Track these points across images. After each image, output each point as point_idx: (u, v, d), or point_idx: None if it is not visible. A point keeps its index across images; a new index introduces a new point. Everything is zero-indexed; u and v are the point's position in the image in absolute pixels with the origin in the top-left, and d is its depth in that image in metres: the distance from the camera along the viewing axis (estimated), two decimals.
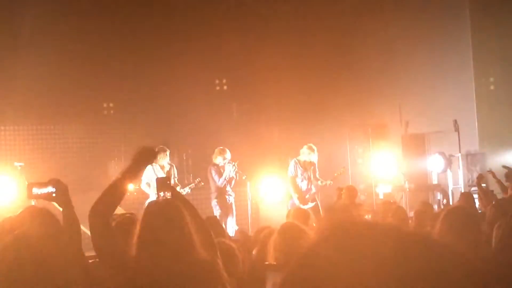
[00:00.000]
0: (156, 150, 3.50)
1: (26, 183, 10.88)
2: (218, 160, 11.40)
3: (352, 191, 9.90)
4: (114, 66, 14.91)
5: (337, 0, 15.55)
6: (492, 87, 13.89)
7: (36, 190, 3.62)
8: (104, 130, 14.64)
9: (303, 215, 7.19)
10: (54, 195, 3.58)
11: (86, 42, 14.09)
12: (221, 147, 11.66)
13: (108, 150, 14.43)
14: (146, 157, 3.39)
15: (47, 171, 13.70)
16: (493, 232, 3.57)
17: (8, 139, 13.41)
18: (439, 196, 13.23)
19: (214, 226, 5.88)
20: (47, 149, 13.82)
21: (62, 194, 3.58)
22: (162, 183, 4.04)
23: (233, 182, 11.47)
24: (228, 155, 11.36)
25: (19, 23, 13.38)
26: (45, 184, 3.62)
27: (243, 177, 11.82)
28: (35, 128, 13.77)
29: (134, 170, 3.34)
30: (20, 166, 12.30)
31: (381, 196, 14.24)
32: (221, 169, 11.35)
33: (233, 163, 11.40)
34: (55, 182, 3.62)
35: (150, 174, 10.50)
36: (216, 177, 11.24)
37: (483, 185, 9.50)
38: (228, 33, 15.50)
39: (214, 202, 11.41)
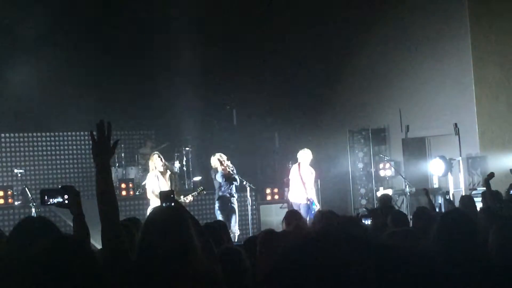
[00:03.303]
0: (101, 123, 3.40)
1: (26, 188, 10.91)
2: (213, 163, 11.46)
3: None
4: (116, 74, 14.93)
5: (338, 6, 15.58)
6: (492, 90, 13.89)
7: (49, 197, 3.61)
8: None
9: (295, 216, 7.39)
10: (66, 202, 3.57)
11: (88, 47, 14.10)
12: (214, 155, 11.70)
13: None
14: (101, 132, 3.35)
15: (48, 178, 13.73)
16: (489, 236, 3.58)
17: (9, 146, 13.42)
18: (440, 199, 13.21)
19: (222, 231, 5.87)
20: (48, 156, 13.82)
21: (74, 202, 3.56)
22: (166, 196, 4.10)
23: (234, 182, 11.45)
24: (222, 156, 11.42)
25: (20, 31, 13.40)
26: (58, 191, 3.62)
27: (243, 182, 11.83)
28: (36, 135, 13.78)
29: (102, 150, 3.31)
30: (20, 173, 12.32)
31: None
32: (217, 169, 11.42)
33: (232, 168, 11.43)
34: (68, 189, 3.61)
35: (153, 183, 10.51)
36: (217, 176, 11.30)
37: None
38: (229, 40, 15.54)
39: (216, 206, 11.45)
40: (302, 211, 11.31)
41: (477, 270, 3.03)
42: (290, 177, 12.39)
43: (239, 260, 3.97)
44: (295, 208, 11.79)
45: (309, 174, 12.13)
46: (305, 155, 12.14)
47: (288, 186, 14.82)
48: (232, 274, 3.68)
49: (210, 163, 11.63)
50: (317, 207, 11.73)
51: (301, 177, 12.05)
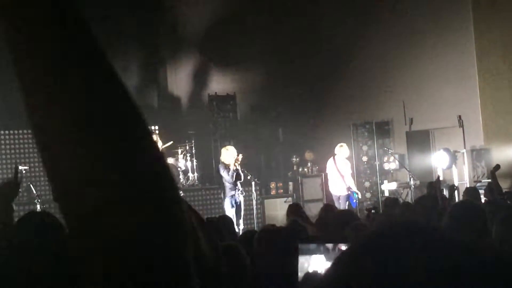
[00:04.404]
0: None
1: (31, 185, 10.92)
2: (224, 158, 11.50)
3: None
4: (119, 68, 14.92)
5: None
6: (495, 82, 13.85)
7: None
8: None
9: (296, 209, 7.44)
10: None
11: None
12: (227, 146, 11.89)
13: None
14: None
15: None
16: (493, 226, 3.59)
17: (13, 143, 13.45)
18: (444, 192, 13.20)
19: (228, 226, 5.86)
20: None
21: None
22: None
23: (241, 178, 11.52)
24: (232, 152, 11.51)
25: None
26: None
27: (248, 177, 11.85)
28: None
29: None
30: (24, 169, 12.32)
31: (386, 193, 14.24)
32: (228, 166, 11.46)
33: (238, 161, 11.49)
34: None
35: None
36: (225, 173, 11.36)
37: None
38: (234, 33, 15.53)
39: (225, 203, 11.48)
40: (342, 202, 12.21)
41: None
42: (327, 171, 12.95)
43: (238, 257, 3.95)
44: (335, 200, 12.42)
45: (346, 166, 12.68)
46: (341, 150, 12.75)
47: (292, 180, 14.90)
48: (232, 270, 3.67)
49: (217, 155, 11.67)
50: (358, 194, 12.55)
51: (338, 170, 12.58)
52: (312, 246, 2.88)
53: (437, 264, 0.71)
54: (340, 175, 12.52)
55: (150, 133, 0.80)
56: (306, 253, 2.73)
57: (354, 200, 12.37)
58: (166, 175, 0.78)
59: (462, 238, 0.76)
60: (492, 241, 3.60)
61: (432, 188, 9.10)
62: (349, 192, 12.37)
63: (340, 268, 0.77)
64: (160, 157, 0.79)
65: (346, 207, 11.78)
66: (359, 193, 12.65)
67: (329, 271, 0.76)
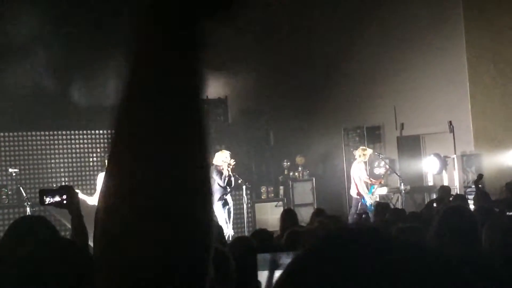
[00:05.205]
0: None
1: (20, 188, 10.87)
2: (218, 161, 11.45)
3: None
4: (113, 73, 14.89)
5: (331, 5, 15.58)
6: (486, 88, 13.91)
7: (47, 197, 3.63)
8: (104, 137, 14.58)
9: (291, 214, 7.46)
10: (65, 202, 3.60)
11: (84, 47, 14.06)
12: (223, 150, 11.85)
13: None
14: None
15: (43, 178, 13.70)
16: (483, 232, 3.60)
17: (3, 146, 13.38)
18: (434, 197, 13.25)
19: (217, 231, 5.84)
20: (43, 155, 13.78)
21: (72, 202, 3.59)
22: None
23: (232, 184, 11.50)
24: (226, 156, 11.47)
25: (13, 29, 13.35)
26: (56, 191, 3.65)
27: (239, 181, 11.83)
28: (31, 134, 13.74)
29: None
30: (15, 172, 12.27)
31: (377, 199, 14.26)
32: (221, 170, 11.39)
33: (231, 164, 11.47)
34: (66, 189, 3.65)
35: None
36: (217, 177, 11.28)
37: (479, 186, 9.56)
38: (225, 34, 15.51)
39: (216, 208, 11.41)
40: (354, 204, 12.91)
41: (477, 266, 3.03)
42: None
43: (225, 263, 3.94)
44: (356, 202, 13.02)
45: (359, 171, 13.02)
46: (357, 154, 13.25)
47: (283, 184, 14.92)
48: (217, 277, 3.66)
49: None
50: (368, 202, 12.85)
51: (352, 175, 13.16)
52: (284, 260, 2.85)
53: (382, 267, 0.72)
54: (353, 179, 13.05)
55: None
56: (279, 268, 2.71)
57: (365, 206, 12.76)
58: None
59: (415, 242, 0.77)
60: (482, 247, 3.62)
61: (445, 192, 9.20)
62: (359, 197, 12.86)
63: (291, 273, 0.78)
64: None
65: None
66: (370, 201, 12.95)
67: (281, 276, 0.78)
